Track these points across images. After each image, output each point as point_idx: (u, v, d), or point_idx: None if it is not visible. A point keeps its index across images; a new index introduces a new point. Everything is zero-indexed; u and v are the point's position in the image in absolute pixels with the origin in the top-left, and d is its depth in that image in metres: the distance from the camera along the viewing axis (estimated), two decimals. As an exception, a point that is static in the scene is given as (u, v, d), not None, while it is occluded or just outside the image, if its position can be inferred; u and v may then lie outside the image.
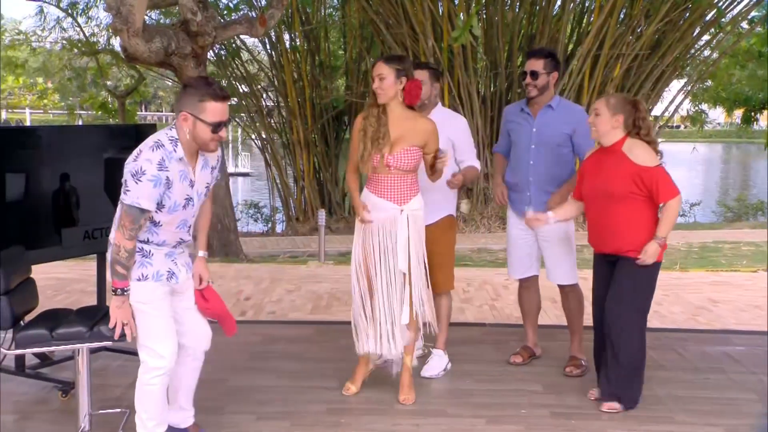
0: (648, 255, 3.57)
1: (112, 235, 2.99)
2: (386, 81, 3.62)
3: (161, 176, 2.85)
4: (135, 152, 2.90)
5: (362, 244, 3.85)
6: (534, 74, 4.10)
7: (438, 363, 4.23)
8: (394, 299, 3.75)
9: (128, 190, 2.85)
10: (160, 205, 2.92)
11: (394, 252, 3.73)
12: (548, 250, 4.28)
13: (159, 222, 2.97)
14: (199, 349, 3.21)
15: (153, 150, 2.88)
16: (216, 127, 2.92)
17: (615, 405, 3.73)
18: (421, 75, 3.97)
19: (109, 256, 3.01)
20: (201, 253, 3.25)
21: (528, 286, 4.46)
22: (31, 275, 3.59)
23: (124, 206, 2.88)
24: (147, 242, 3.01)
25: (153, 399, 3.02)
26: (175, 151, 2.91)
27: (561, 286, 4.36)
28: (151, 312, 3.00)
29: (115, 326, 2.99)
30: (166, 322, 3.02)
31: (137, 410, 3.04)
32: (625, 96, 3.82)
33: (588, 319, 4.09)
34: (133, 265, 2.95)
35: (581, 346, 4.32)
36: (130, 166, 2.87)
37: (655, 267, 3.68)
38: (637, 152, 3.57)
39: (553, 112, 4.16)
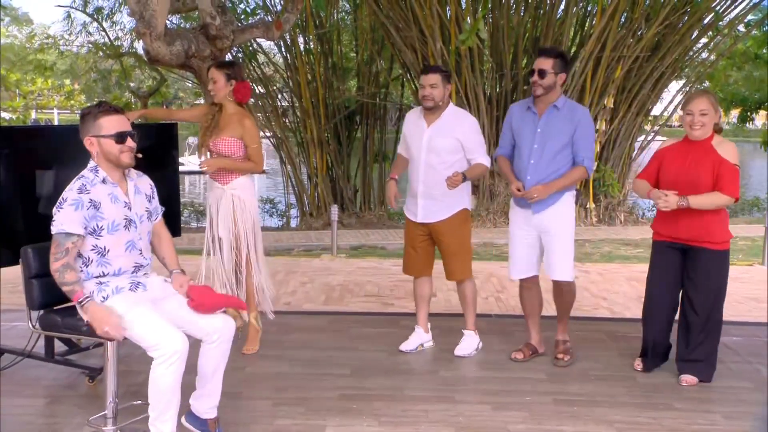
0: (663, 200, 3.74)
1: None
2: (218, 83, 4.16)
3: (82, 198, 2.91)
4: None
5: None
6: (542, 73, 3.99)
7: (470, 343, 4.43)
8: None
9: (53, 220, 2.92)
10: (97, 229, 2.94)
11: (217, 222, 4.28)
12: (551, 245, 4.15)
13: (105, 248, 2.97)
14: (218, 333, 3.06)
15: (74, 182, 2.98)
16: (118, 137, 2.96)
17: (693, 379, 3.94)
18: (434, 78, 4.12)
19: None
20: (175, 270, 3.21)
21: (529, 287, 4.34)
22: None
23: (53, 237, 2.92)
24: (104, 276, 3.01)
25: (167, 386, 2.88)
26: (96, 175, 2.99)
27: (558, 282, 4.22)
28: (135, 315, 2.92)
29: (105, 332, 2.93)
30: (155, 317, 2.92)
31: (150, 396, 2.92)
32: (715, 94, 4.12)
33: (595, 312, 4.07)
34: (73, 277, 2.90)
35: (566, 329, 4.34)
36: (60, 200, 2.95)
37: (726, 255, 3.91)
38: (726, 147, 3.81)
39: (558, 112, 4.05)
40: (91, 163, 3.03)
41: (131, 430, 3.18)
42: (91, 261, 2.99)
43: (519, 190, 4.03)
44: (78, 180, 2.99)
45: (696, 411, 3.62)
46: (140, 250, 3.08)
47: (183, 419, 3.16)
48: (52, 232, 2.93)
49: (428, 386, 3.86)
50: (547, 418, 3.51)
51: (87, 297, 2.92)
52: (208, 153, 4.29)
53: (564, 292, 4.26)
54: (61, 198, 2.95)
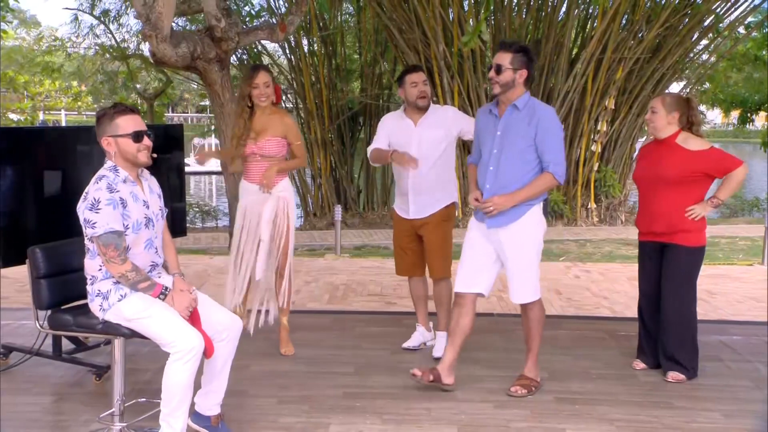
0: (696, 211, 3.84)
1: (99, 274, 2.98)
2: (270, 87, 4.18)
3: (115, 197, 2.90)
4: (83, 196, 2.94)
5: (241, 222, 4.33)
6: (498, 68, 3.56)
7: (443, 344, 4.24)
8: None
9: (94, 223, 2.86)
10: (124, 227, 2.92)
11: (257, 225, 4.22)
12: (509, 266, 3.65)
13: (128, 247, 2.96)
14: (227, 331, 3.07)
15: (97, 182, 2.95)
16: (136, 136, 2.96)
17: (680, 375, 3.92)
18: (423, 75, 4.19)
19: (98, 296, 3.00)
20: (176, 273, 3.19)
21: (462, 304, 3.73)
22: None
23: (98, 241, 2.87)
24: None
25: (182, 383, 2.89)
26: (117, 175, 2.97)
27: (522, 306, 3.77)
28: (152, 312, 2.92)
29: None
30: (170, 316, 2.92)
31: (164, 392, 2.93)
32: (679, 95, 4.04)
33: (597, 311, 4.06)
34: (145, 274, 2.95)
35: (535, 365, 3.82)
36: (83, 205, 2.91)
37: (700, 253, 3.97)
38: (691, 142, 3.84)
39: (518, 113, 3.58)
40: (109, 163, 3.01)
41: (138, 427, 3.19)
42: (126, 249, 2.95)
43: (477, 200, 3.64)
44: (102, 180, 2.95)
45: (695, 409, 3.61)
46: (156, 249, 3.10)
47: (189, 421, 3.14)
48: (97, 235, 2.85)
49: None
50: (549, 416, 3.51)
51: (167, 290, 2.95)
52: (243, 157, 4.25)
53: (530, 317, 3.74)
54: (92, 199, 2.89)
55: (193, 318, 2.99)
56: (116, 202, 2.90)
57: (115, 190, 2.93)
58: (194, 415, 3.19)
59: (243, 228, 4.31)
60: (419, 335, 4.46)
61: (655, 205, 3.92)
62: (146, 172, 3.15)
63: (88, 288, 3.05)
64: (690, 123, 3.90)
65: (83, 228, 2.95)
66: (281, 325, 4.40)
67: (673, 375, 3.96)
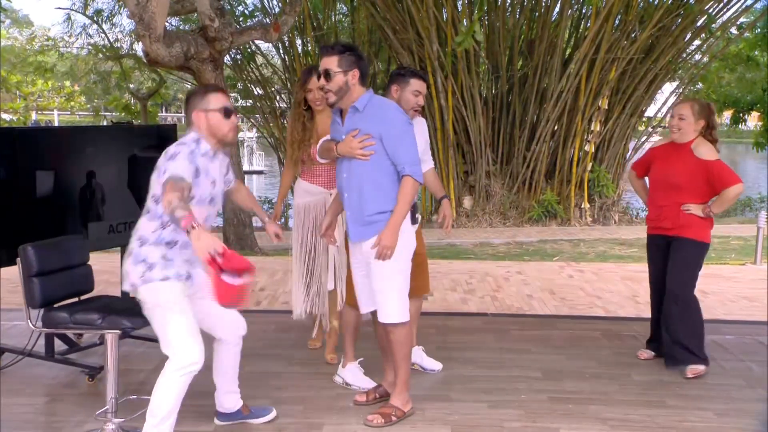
0: (691, 209, 3.97)
1: (147, 228, 2.96)
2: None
3: (193, 157, 2.92)
4: (164, 153, 2.94)
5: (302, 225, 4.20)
6: (327, 74, 3.24)
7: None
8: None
9: (166, 170, 2.82)
10: (189, 198, 2.87)
11: (314, 227, 4.11)
12: (372, 280, 3.38)
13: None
14: (236, 336, 3.23)
15: (179, 145, 2.96)
16: (225, 111, 3.00)
17: (698, 368, 3.99)
18: (425, 89, 3.97)
19: (140, 242, 2.95)
20: (267, 220, 3.47)
21: (374, 323, 3.58)
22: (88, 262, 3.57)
23: (166, 181, 2.76)
24: (173, 244, 2.97)
25: (175, 394, 2.90)
26: (198, 146, 2.97)
27: (383, 324, 3.40)
28: (177, 311, 2.93)
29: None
30: (190, 321, 2.94)
31: (154, 400, 2.90)
32: (703, 101, 4.13)
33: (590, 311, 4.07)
34: (188, 208, 2.69)
35: (402, 393, 3.44)
36: (163, 158, 2.90)
37: (704, 248, 4.09)
38: (701, 149, 3.95)
39: (360, 114, 3.28)
40: (194, 134, 2.99)
41: (132, 428, 3.18)
42: (169, 224, 2.93)
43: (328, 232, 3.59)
44: (182, 145, 2.94)
45: (688, 408, 3.63)
46: (210, 227, 3.12)
47: (216, 421, 3.34)
48: (167, 176, 2.79)
49: (424, 385, 3.86)
50: (542, 415, 3.52)
51: (197, 223, 2.67)
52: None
53: (390, 339, 3.38)
54: (172, 152, 2.89)
55: (214, 263, 2.68)
56: (194, 160, 2.91)
57: (194, 157, 2.92)
58: (223, 416, 3.33)
59: (304, 227, 4.19)
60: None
61: (665, 203, 4.07)
62: (221, 154, 3.13)
63: (135, 249, 2.97)
64: (710, 127, 4.04)
65: (151, 188, 2.94)
66: (332, 329, 4.25)
67: (692, 369, 4.01)
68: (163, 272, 2.94)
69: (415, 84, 3.77)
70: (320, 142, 3.70)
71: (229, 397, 3.32)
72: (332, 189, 4.02)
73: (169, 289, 2.94)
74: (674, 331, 4.05)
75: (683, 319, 4.04)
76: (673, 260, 4.08)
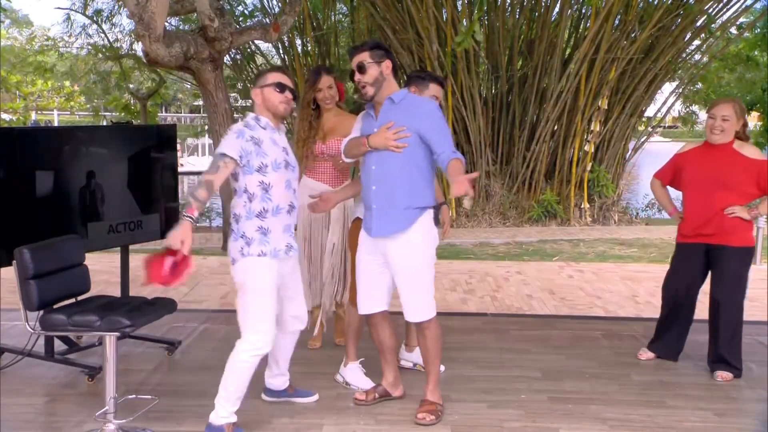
0: (735, 211, 3.92)
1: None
2: (333, 88, 4.18)
3: (245, 131, 3.12)
4: None
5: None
6: (361, 67, 3.30)
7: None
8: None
9: (220, 145, 3.12)
10: (263, 166, 3.11)
11: (326, 228, 4.27)
12: (398, 279, 3.39)
13: (270, 184, 3.14)
14: (297, 326, 3.42)
15: (236, 124, 3.21)
16: (279, 86, 3.18)
17: (728, 375, 4.01)
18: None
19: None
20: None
21: (376, 323, 3.56)
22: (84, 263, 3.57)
23: (213, 158, 3.13)
24: (264, 213, 3.15)
25: (247, 375, 3.15)
26: (258, 122, 3.20)
27: (417, 323, 3.46)
28: (261, 294, 3.13)
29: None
30: (271, 307, 3.16)
31: (225, 382, 3.14)
32: (739, 100, 4.12)
33: (590, 311, 4.06)
34: (203, 196, 2.96)
35: (437, 389, 3.53)
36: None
37: (749, 253, 4.05)
38: (750, 149, 3.96)
39: (396, 107, 3.31)
40: (252, 115, 3.25)
41: (131, 428, 3.19)
42: (255, 197, 3.14)
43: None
44: (241, 121, 3.22)
45: (688, 408, 3.63)
46: (294, 190, 3.27)
47: (263, 396, 3.61)
48: (215, 153, 3.13)
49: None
50: (542, 415, 3.52)
51: (191, 218, 2.94)
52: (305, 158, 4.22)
53: (426, 336, 3.44)
54: (229, 129, 3.18)
55: (173, 261, 2.90)
56: (244, 134, 3.11)
57: (251, 128, 3.15)
58: (271, 392, 3.61)
59: (309, 224, 4.29)
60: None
61: (709, 207, 3.98)
62: (282, 127, 3.35)
63: (233, 226, 3.20)
64: (744, 125, 4.03)
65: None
66: (339, 315, 4.51)
67: (723, 374, 4.03)
68: (260, 247, 3.14)
69: (434, 89, 3.79)
70: (345, 140, 3.58)
71: (279, 378, 3.59)
72: (336, 186, 4.11)
73: (263, 267, 3.14)
74: (722, 349, 4.05)
75: (733, 341, 4.05)
76: (720, 271, 4.01)
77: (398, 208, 3.30)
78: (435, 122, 3.28)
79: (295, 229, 3.40)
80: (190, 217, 2.94)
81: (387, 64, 3.33)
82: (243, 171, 3.11)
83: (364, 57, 3.32)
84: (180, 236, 2.87)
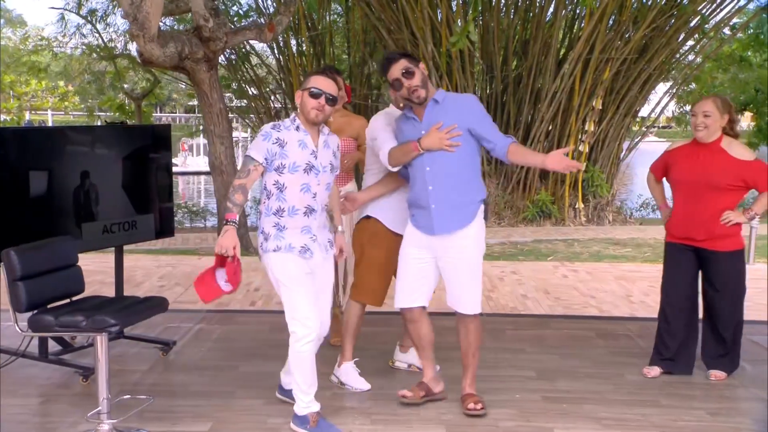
0: (731, 218, 3.84)
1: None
2: (342, 90, 4.11)
3: (272, 133, 3.19)
4: None
5: None
6: (408, 72, 3.35)
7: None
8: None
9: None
10: (280, 167, 3.16)
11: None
12: (453, 273, 3.44)
13: (284, 184, 3.19)
14: (320, 332, 3.31)
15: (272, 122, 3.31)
16: (314, 91, 3.19)
17: (721, 374, 4.00)
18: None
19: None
20: (339, 228, 3.51)
21: (414, 319, 3.57)
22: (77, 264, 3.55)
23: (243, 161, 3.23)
24: (281, 212, 3.22)
25: (306, 364, 3.19)
26: (293, 123, 3.25)
27: (464, 317, 3.50)
28: (291, 286, 3.17)
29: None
30: (306, 295, 3.18)
31: (294, 375, 3.23)
32: (725, 97, 4.01)
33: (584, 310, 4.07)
34: (240, 199, 3.15)
35: (474, 381, 3.60)
36: None
37: (741, 255, 4.00)
38: (737, 148, 3.84)
39: (440, 107, 3.39)
40: (292, 115, 3.30)
41: (126, 428, 3.18)
42: (272, 194, 3.24)
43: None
44: (272, 123, 3.30)
45: (682, 407, 3.64)
46: (314, 195, 3.25)
47: (277, 394, 3.62)
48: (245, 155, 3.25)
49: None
50: (536, 415, 3.53)
51: (234, 222, 3.10)
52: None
53: (470, 329, 3.51)
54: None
55: (226, 264, 3.11)
56: (270, 136, 3.19)
57: (278, 130, 3.21)
58: (283, 391, 3.58)
59: None
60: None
61: (698, 210, 3.89)
62: (327, 129, 3.37)
63: (258, 222, 3.33)
64: (732, 122, 3.90)
65: None
66: (336, 315, 4.42)
67: (716, 374, 4.02)
68: (275, 243, 3.21)
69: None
70: (388, 150, 3.49)
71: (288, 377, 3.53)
72: (342, 187, 4.13)
73: (281, 261, 3.19)
74: (724, 349, 4.05)
75: (734, 343, 4.06)
76: (719, 283, 3.95)
77: (460, 205, 3.41)
78: (481, 115, 3.39)
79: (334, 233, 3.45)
80: (234, 222, 3.08)
81: (423, 66, 3.45)
82: (267, 169, 3.22)
83: (406, 63, 3.39)
84: (230, 242, 3.03)
